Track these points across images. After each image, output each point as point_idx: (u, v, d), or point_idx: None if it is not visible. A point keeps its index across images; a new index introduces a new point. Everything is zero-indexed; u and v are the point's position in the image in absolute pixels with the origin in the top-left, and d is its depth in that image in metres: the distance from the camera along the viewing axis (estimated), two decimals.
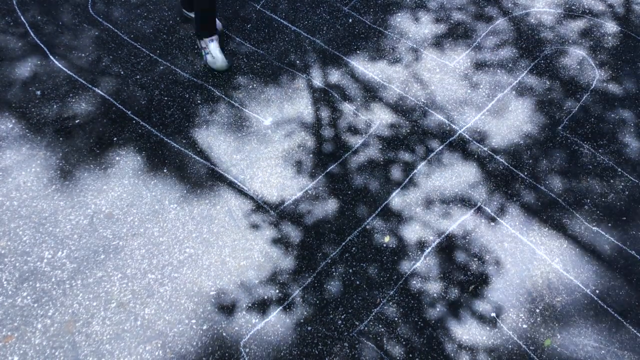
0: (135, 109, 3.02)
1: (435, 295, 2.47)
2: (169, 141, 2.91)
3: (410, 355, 2.30)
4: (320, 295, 2.44)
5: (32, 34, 3.31)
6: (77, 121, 2.95)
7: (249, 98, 3.12)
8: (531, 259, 2.59)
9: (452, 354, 2.31)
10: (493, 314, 2.42)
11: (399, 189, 2.80)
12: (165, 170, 2.80)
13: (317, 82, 3.23)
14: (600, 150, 3.00)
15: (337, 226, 2.66)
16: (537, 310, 2.43)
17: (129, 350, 2.24)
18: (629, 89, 3.29)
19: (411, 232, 2.66)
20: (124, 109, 3.02)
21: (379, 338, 2.34)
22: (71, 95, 3.06)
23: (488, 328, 2.38)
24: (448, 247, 2.62)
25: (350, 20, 3.58)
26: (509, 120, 3.11)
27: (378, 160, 2.90)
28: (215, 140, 2.93)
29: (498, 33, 3.56)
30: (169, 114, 3.02)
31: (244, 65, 3.27)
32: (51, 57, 3.21)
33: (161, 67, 3.23)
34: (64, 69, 3.17)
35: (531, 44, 3.51)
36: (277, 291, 2.44)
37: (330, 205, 2.73)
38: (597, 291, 2.50)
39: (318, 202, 2.74)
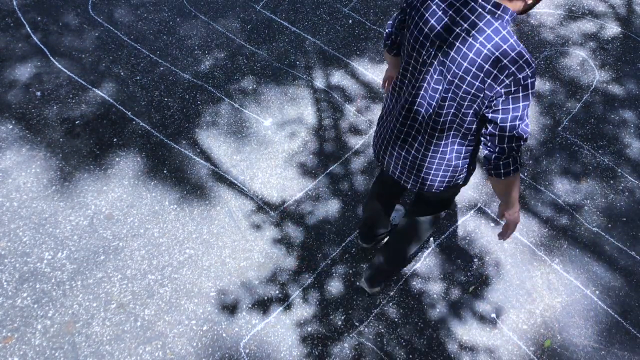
0: (136, 110, 3.03)
1: (435, 295, 2.47)
2: (169, 142, 2.92)
3: (410, 356, 2.30)
4: (320, 296, 2.44)
5: (32, 35, 3.32)
6: (77, 122, 2.96)
7: (249, 99, 3.13)
8: (531, 260, 2.59)
9: (452, 355, 2.31)
10: (493, 315, 2.42)
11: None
12: (165, 171, 2.80)
13: (317, 82, 3.23)
14: (600, 151, 2.99)
15: (338, 227, 2.66)
16: (537, 311, 2.43)
17: (129, 351, 2.24)
18: (630, 90, 3.29)
19: None
20: (124, 110, 3.02)
21: (379, 339, 2.33)
22: (71, 96, 3.06)
23: (488, 329, 2.38)
24: (448, 247, 2.62)
25: (350, 21, 3.58)
26: None
27: None
28: (215, 141, 2.94)
29: None
30: (169, 114, 3.02)
31: (244, 66, 3.27)
32: (51, 58, 3.21)
33: (161, 68, 3.23)
34: (64, 70, 3.17)
35: (532, 44, 3.51)
36: (277, 292, 2.44)
37: (331, 206, 2.73)
38: (597, 292, 2.50)
39: (318, 202, 2.74)
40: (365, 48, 3.42)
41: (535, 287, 2.50)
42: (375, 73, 3.29)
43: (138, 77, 3.17)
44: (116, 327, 2.30)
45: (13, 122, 2.92)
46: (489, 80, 1.43)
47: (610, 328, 2.40)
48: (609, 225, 2.71)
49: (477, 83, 1.45)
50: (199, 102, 3.08)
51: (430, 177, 1.77)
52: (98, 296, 2.38)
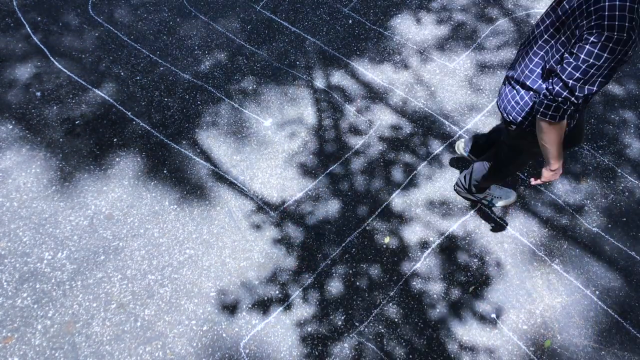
0: (136, 110, 3.03)
1: (435, 296, 2.47)
2: (169, 142, 2.92)
3: (410, 356, 2.30)
4: (320, 296, 2.44)
5: (32, 35, 3.32)
6: (77, 122, 2.96)
7: (249, 99, 3.13)
8: (531, 260, 2.59)
9: (452, 355, 2.31)
10: (493, 315, 2.42)
11: (400, 189, 2.80)
12: (165, 171, 2.81)
13: (317, 83, 3.23)
14: (600, 151, 2.99)
15: (338, 227, 2.66)
16: (537, 311, 2.43)
17: (129, 352, 2.24)
18: (630, 90, 3.29)
19: (411, 233, 2.66)
20: (124, 110, 3.02)
21: (379, 339, 2.33)
22: (71, 96, 3.06)
23: (488, 329, 2.38)
24: (448, 248, 2.62)
25: (350, 22, 3.58)
26: None
27: (378, 161, 2.90)
28: (215, 141, 2.94)
29: (498, 34, 3.56)
30: (169, 115, 3.02)
31: (244, 66, 3.28)
32: (52, 58, 3.21)
33: (161, 68, 3.23)
34: (65, 70, 3.17)
35: None
36: (277, 292, 2.44)
37: (331, 206, 2.73)
38: (597, 292, 2.50)
39: (318, 202, 2.74)
40: (365, 48, 3.42)
41: (535, 287, 2.50)
42: (375, 73, 3.29)
43: (138, 77, 3.17)
44: (116, 327, 2.30)
45: (13, 122, 2.92)
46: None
47: (610, 328, 2.40)
48: (609, 225, 2.71)
49: None
50: (199, 102, 3.09)
51: None
52: (98, 296, 2.38)
